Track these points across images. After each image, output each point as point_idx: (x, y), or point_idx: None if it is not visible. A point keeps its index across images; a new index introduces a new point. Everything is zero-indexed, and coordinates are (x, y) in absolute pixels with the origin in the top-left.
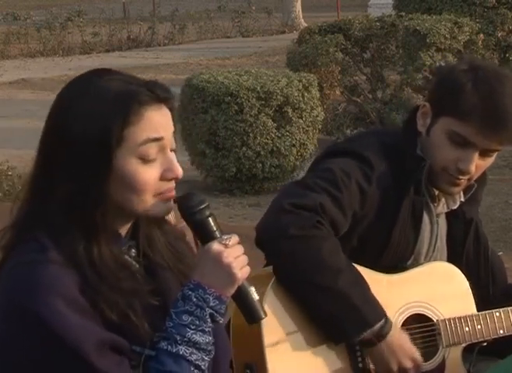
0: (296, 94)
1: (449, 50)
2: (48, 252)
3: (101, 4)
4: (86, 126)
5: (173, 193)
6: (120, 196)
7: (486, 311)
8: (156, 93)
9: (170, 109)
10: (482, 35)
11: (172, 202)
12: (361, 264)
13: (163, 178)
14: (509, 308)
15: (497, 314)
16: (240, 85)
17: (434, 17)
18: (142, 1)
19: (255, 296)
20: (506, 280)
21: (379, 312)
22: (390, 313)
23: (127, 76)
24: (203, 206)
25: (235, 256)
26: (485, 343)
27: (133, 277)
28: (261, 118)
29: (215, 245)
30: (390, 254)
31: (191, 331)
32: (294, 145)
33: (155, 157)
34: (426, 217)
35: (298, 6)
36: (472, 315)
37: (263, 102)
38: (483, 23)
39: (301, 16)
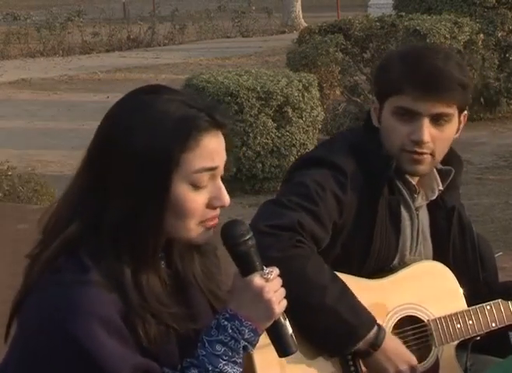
0: (296, 94)
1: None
2: (89, 272)
3: (101, 4)
4: (148, 143)
5: (217, 221)
6: (167, 222)
7: (477, 306)
8: (216, 119)
9: (225, 135)
10: (482, 35)
11: (212, 229)
12: (347, 271)
13: (210, 206)
14: (499, 300)
15: (488, 307)
16: (240, 85)
17: (434, 17)
18: (142, 1)
19: (289, 330)
20: (495, 265)
21: (369, 322)
22: (380, 318)
23: (187, 97)
24: (248, 237)
25: (274, 290)
26: (478, 338)
27: (176, 301)
28: (261, 118)
29: (257, 279)
30: (374, 257)
31: (223, 362)
32: (294, 145)
33: (206, 184)
34: (405, 214)
35: (298, 6)
36: (463, 311)
37: (263, 102)
38: (483, 23)
39: (301, 16)
